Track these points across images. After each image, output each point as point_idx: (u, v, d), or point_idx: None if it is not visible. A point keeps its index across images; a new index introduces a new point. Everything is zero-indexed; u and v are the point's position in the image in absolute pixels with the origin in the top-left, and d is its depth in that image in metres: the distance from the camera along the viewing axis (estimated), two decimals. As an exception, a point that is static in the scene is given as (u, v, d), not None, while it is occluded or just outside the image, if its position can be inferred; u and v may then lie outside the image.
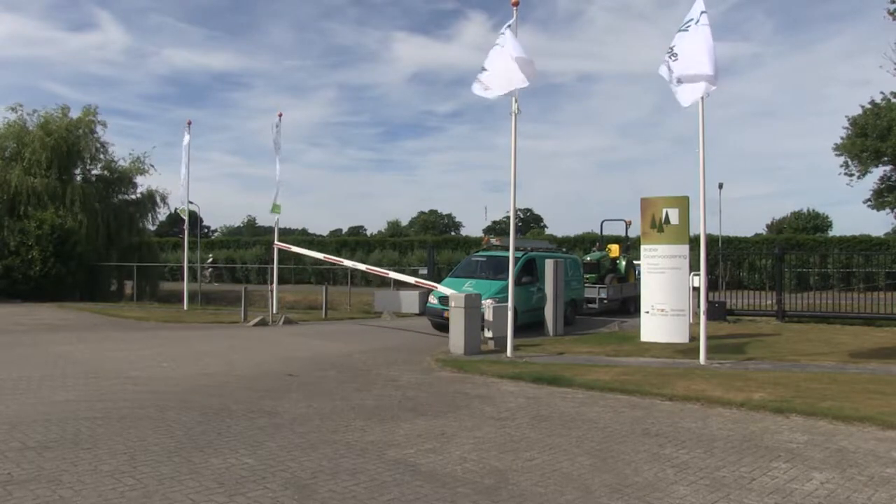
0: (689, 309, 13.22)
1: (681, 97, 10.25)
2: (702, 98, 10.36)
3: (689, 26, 10.26)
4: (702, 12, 10.20)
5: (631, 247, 24.99)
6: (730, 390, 8.25)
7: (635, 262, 23.63)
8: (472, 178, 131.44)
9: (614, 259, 21.67)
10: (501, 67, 10.90)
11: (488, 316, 12.44)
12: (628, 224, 23.61)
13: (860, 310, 17.34)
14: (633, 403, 7.81)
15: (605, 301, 19.81)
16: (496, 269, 15.80)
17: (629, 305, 21.13)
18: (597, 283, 20.32)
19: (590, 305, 19.74)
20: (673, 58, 10.27)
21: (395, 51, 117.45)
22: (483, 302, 14.09)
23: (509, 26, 11.09)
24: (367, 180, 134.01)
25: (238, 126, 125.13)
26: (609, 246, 22.40)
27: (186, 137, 22.17)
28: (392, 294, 22.94)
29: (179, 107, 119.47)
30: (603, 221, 24.97)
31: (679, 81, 10.23)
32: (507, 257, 15.79)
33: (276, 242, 20.34)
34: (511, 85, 10.84)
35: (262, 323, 17.19)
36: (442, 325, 15.40)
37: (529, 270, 15.99)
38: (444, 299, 15.27)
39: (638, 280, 22.20)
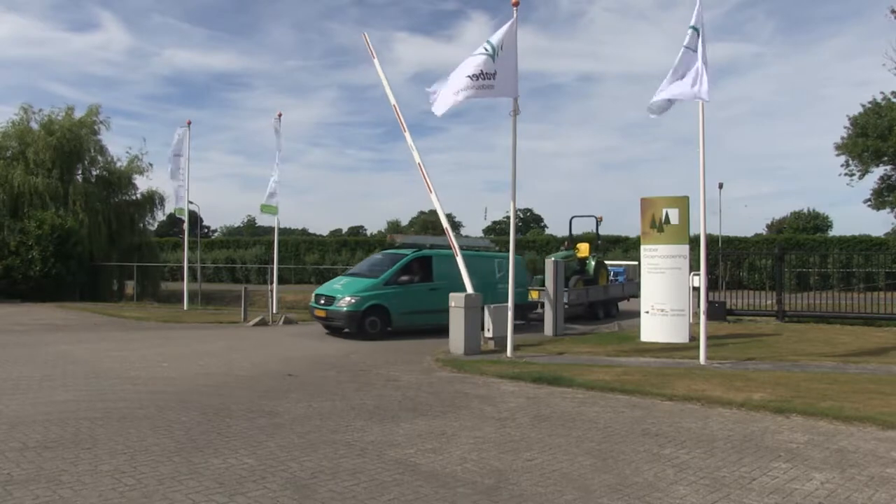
0: (689, 309, 13.22)
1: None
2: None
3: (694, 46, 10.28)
4: (691, 27, 10.31)
5: (601, 246, 23.38)
6: (730, 390, 8.25)
7: (610, 264, 22.17)
8: (472, 178, 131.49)
9: (583, 259, 19.93)
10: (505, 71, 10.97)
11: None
12: (599, 220, 21.61)
13: (860, 310, 17.32)
14: (634, 403, 7.81)
15: (567, 305, 17.45)
16: (381, 267, 15.20)
17: (597, 310, 19.64)
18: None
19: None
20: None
21: (396, 51, 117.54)
22: (341, 301, 14.03)
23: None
24: (367, 180, 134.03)
25: (238, 126, 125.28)
26: (578, 245, 20.56)
27: (182, 144, 22.30)
28: None
29: (180, 107, 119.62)
30: (572, 218, 22.27)
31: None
32: (401, 255, 15.34)
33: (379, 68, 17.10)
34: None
35: (262, 323, 17.19)
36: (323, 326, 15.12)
37: (418, 269, 15.04)
38: (318, 297, 14.98)
39: (611, 282, 20.66)
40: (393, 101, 15.03)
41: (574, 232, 22.56)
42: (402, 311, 14.56)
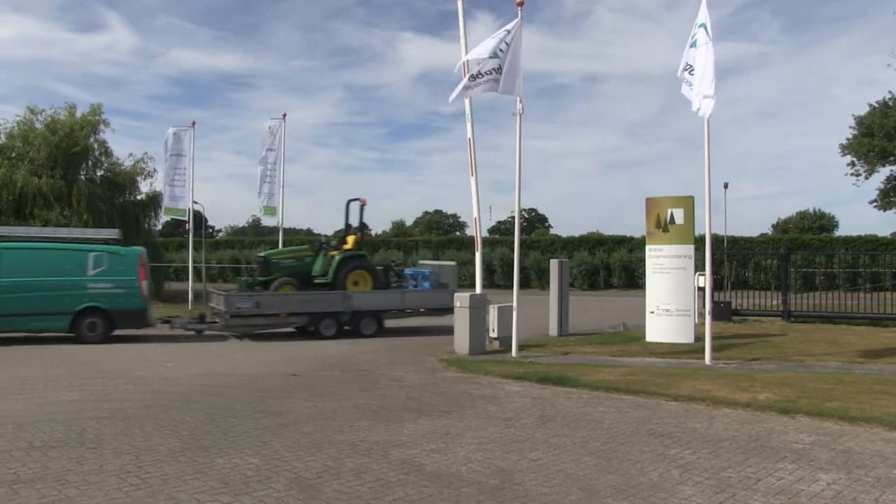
0: (694, 309, 13.19)
1: (704, 108, 10.26)
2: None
3: (696, 41, 10.34)
4: (700, 24, 10.31)
5: (365, 239, 18.85)
6: (735, 390, 8.22)
7: (424, 263, 18.64)
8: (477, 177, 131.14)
9: (330, 257, 15.73)
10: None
11: None
12: (363, 204, 16.76)
13: (866, 310, 17.23)
14: (639, 403, 7.79)
15: (229, 315, 13.81)
16: None
17: (323, 324, 14.30)
18: (250, 288, 15.49)
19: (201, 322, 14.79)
20: (690, 73, 10.37)
21: (402, 51, 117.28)
22: None
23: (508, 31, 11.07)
24: (372, 180, 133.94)
25: (244, 126, 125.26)
26: (348, 238, 16.50)
27: (181, 143, 22.35)
28: None
29: (185, 107, 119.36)
30: (349, 202, 16.97)
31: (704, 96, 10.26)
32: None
33: None
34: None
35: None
36: None
37: None
38: None
39: (400, 287, 16.30)
40: (465, 57, 12.03)
41: (579, 233, 22.06)
42: None
